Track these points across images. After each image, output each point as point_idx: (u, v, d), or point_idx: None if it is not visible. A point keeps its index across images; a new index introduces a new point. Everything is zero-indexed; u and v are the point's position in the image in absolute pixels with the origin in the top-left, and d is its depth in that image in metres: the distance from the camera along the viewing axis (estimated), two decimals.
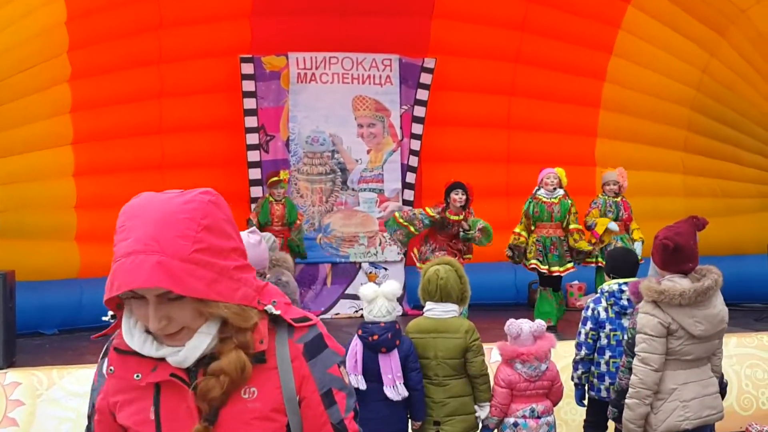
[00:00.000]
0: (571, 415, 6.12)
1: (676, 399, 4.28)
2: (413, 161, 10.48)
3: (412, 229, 8.30)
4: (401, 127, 10.45)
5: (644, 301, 4.34)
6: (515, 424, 5.25)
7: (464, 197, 8.28)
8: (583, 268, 9.40)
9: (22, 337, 7.91)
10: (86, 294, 9.09)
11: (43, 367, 6.59)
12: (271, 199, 9.65)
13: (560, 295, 8.66)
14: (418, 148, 10.47)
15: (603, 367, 5.45)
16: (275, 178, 9.68)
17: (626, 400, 4.34)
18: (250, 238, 4.11)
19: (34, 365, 6.77)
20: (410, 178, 10.37)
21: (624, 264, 5.50)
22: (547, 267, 8.36)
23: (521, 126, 10.91)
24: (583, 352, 5.50)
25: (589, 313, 5.49)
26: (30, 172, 8.99)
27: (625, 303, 5.40)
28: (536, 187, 8.54)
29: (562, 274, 8.48)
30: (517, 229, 8.57)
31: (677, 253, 4.28)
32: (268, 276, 4.14)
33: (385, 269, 10.16)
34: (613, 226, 8.80)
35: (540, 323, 5.39)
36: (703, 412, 4.33)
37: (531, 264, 8.49)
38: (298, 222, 9.75)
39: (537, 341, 5.31)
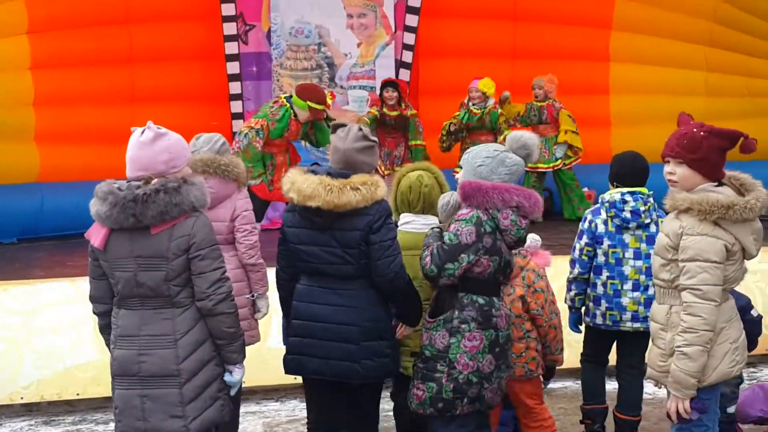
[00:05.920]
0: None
1: (726, 340, 3.42)
2: (407, 56, 9.81)
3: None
4: (395, 18, 9.76)
5: (696, 219, 3.34)
6: None
7: (395, 94, 8.86)
8: (592, 172, 9.16)
9: None
10: (47, 200, 8.46)
11: None
12: (291, 112, 7.92)
13: None
14: (412, 42, 9.75)
15: (599, 289, 4.73)
16: (321, 107, 7.86)
17: (683, 349, 3.35)
18: (142, 136, 3.26)
19: None
20: (404, 75, 9.71)
21: (631, 170, 4.72)
22: None
23: (529, 17, 10.12)
24: (576, 271, 4.78)
25: (586, 225, 4.76)
26: None
27: (628, 215, 4.65)
28: (467, 99, 9.06)
29: None
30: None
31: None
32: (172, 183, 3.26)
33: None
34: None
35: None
36: (746, 351, 3.54)
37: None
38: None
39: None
